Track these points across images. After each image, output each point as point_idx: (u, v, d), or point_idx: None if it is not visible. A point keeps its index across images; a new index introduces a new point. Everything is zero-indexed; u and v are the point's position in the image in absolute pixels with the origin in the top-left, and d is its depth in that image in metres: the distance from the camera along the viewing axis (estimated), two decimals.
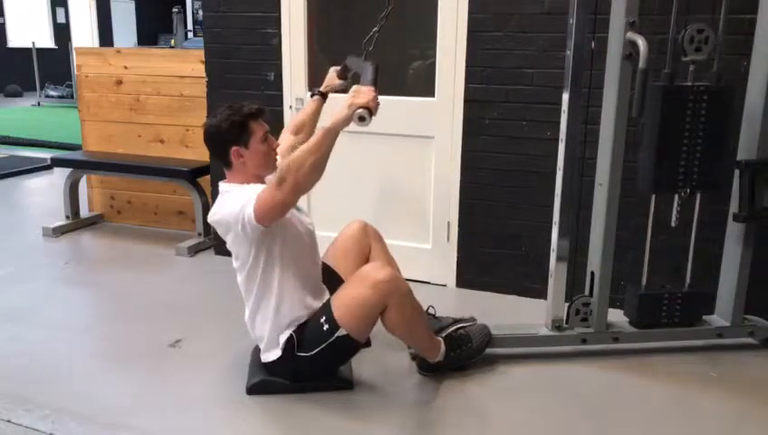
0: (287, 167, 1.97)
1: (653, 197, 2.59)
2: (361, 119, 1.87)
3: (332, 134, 1.96)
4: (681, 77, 2.41)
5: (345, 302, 2.19)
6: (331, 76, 2.71)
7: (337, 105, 2.00)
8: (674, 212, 2.55)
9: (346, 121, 1.94)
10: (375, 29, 2.41)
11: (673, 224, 2.56)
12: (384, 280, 2.16)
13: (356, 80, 2.28)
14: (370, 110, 1.90)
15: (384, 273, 2.18)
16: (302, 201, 2.98)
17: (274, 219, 2.08)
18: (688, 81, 2.41)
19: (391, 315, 2.21)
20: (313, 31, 3.44)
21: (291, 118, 3.49)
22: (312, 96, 2.72)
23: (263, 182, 2.31)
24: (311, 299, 2.29)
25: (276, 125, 2.90)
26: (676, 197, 2.53)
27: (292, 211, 2.21)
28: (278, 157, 2.31)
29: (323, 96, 2.71)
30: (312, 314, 2.25)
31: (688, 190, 2.47)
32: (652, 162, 2.41)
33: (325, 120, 1.97)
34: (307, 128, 2.66)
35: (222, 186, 2.28)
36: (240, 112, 2.20)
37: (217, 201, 2.25)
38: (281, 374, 2.31)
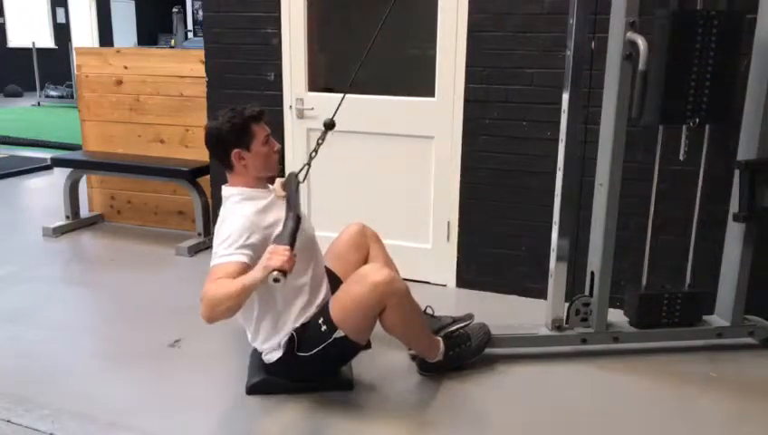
0: (206, 300, 1.97)
1: (653, 197, 2.59)
2: (276, 280, 1.89)
3: (247, 292, 1.97)
4: (690, 3, 2.35)
5: (343, 303, 2.19)
6: (277, 187, 2.48)
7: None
8: (682, 145, 2.48)
9: (261, 282, 1.94)
10: (306, 163, 2.39)
11: (681, 157, 2.48)
12: (382, 281, 2.16)
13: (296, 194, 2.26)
14: (285, 272, 1.90)
15: (382, 274, 2.18)
16: (303, 202, 2.99)
17: None
18: (698, 5, 2.36)
19: (390, 316, 2.21)
20: (313, 31, 3.44)
21: (290, 118, 3.50)
22: None
23: (263, 185, 2.31)
24: (312, 303, 2.28)
25: (276, 126, 2.90)
26: (684, 128, 2.46)
27: None
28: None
29: None
30: (313, 315, 2.25)
31: (697, 120, 2.37)
32: (660, 91, 2.32)
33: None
34: None
35: (224, 190, 2.28)
36: (242, 115, 2.20)
37: (222, 210, 2.25)
38: (281, 374, 2.31)
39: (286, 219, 2.10)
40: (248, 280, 1.95)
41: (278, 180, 2.41)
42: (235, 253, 2.05)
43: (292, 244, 1.97)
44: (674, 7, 2.32)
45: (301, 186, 2.34)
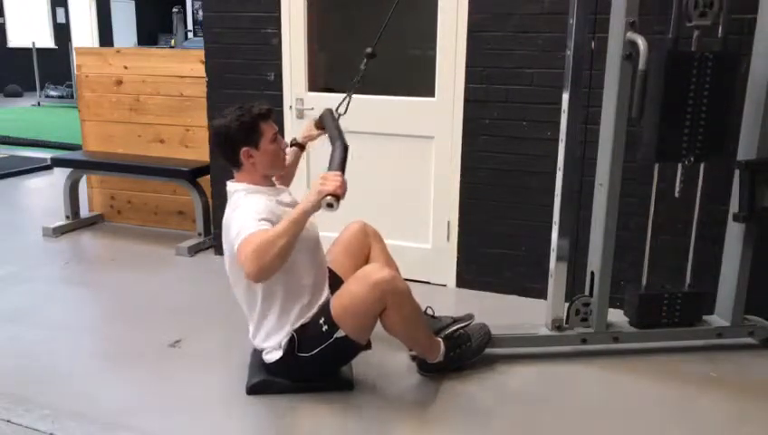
0: (253, 249, 1.92)
1: (653, 197, 2.59)
2: (329, 205, 1.89)
3: (302, 220, 1.96)
4: (685, 44, 2.37)
5: (344, 303, 2.19)
6: (308, 126, 2.64)
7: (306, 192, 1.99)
8: (677, 182, 2.50)
9: (315, 208, 1.94)
10: (347, 95, 2.38)
11: (676, 194, 2.51)
12: (383, 280, 2.16)
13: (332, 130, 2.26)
14: (338, 196, 1.90)
15: (383, 273, 2.18)
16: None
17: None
18: (693, 47, 2.37)
19: (390, 316, 2.21)
20: (313, 31, 3.44)
21: (290, 118, 3.49)
22: (290, 146, 2.68)
23: (270, 183, 2.31)
24: (313, 304, 2.29)
25: (277, 126, 2.89)
26: (680, 166, 2.49)
27: None
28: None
29: (301, 147, 2.66)
30: (313, 315, 2.25)
31: (692, 159, 2.41)
32: (655, 130, 2.36)
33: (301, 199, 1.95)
34: (287, 177, 2.63)
35: (230, 185, 2.28)
36: (250, 113, 2.20)
37: (228, 206, 2.25)
38: (281, 374, 2.31)
39: (334, 148, 2.09)
40: (298, 210, 1.93)
41: (310, 120, 2.41)
42: (260, 224, 2.02)
43: (342, 170, 1.96)
44: (669, 49, 2.36)
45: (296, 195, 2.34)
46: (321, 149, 2.00)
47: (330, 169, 2.00)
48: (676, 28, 2.35)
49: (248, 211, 2.09)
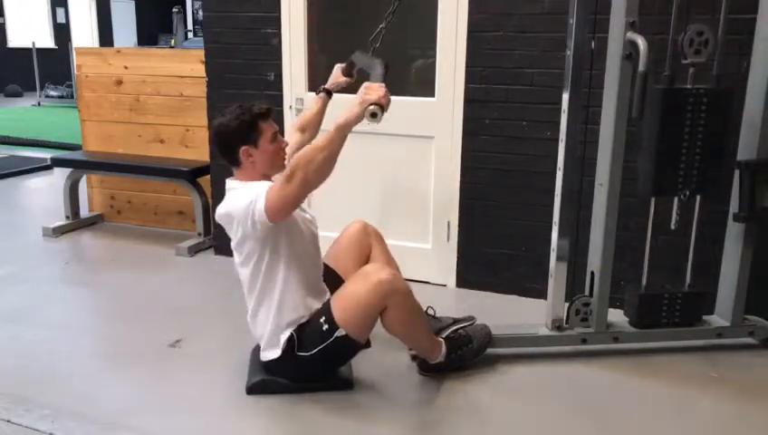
0: (297, 162, 1.97)
1: (653, 199, 2.59)
2: (373, 115, 1.87)
3: (344, 131, 1.96)
4: (681, 80, 2.41)
5: (345, 302, 2.19)
6: (336, 73, 2.69)
7: (345, 103, 1.99)
8: (673, 215, 2.55)
9: (358, 118, 1.94)
10: (382, 25, 2.39)
11: (673, 227, 2.56)
12: (384, 280, 2.16)
13: (362, 77, 2.27)
14: (382, 106, 1.89)
15: (384, 273, 2.18)
16: (303, 202, 2.96)
17: (284, 215, 2.08)
18: (688, 83, 2.40)
19: (391, 316, 2.21)
20: (313, 31, 3.44)
21: (290, 118, 3.50)
22: (317, 93, 2.70)
23: (270, 181, 2.31)
24: (312, 299, 2.29)
25: (277, 125, 2.89)
26: (676, 199, 2.53)
27: (297, 211, 2.21)
28: (286, 157, 2.32)
29: (329, 93, 2.68)
30: (313, 314, 2.25)
31: (688, 193, 2.46)
32: (652, 165, 2.41)
33: (337, 116, 1.96)
34: (313, 126, 2.65)
35: (229, 183, 2.28)
36: (250, 112, 2.20)
37: (225, 198, 2.25)
38: (281, 374, 2.31)
39: (374, 66, 2.09)
40: (341, 121, 1.93)
41: (337, 66, 2.41)
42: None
43: (384, 81, 1.96)
44: (665, 85, 2.38)
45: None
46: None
47: (372, 80, 1.98)
48: (672, 65, 2.38)
49: (254, 187, 2.11)
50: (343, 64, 2.64)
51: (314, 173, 1.97)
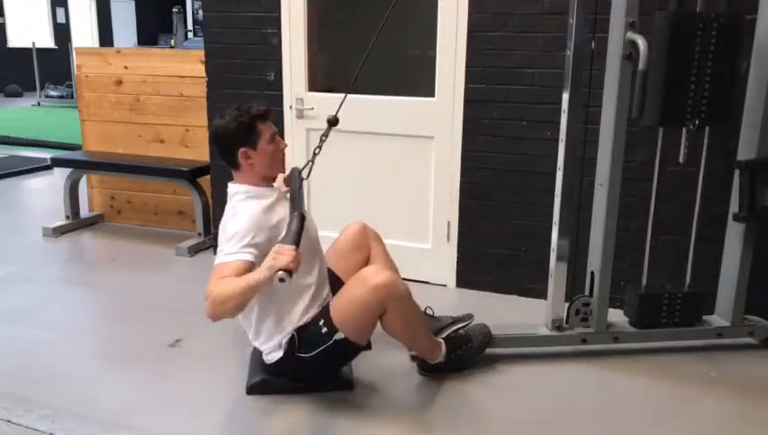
0: (212, 298, 1.97)
1: (653, 197, 2.58)
2: (281, 280, 1.90)
3: (253, 291, 1.97)
4: (690, 4, 2.35)
5: (344, 305, 2.19)
6: (279, 182, 2.51)
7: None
8: (682, 147, 2.48)
9: (267, 281, 1.94)
10: (310, 159, 2.39)
11: (681, 160, 2.48)
12: (383, 284, 2.16)
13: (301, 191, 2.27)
14: (290, 272, 1.91)
15: (383, 276, 2.18)
16: (305, 202, 2.98)
17: None
18: (698, 7, 2.35)
19: (391, 319, 2.21)
20: (313, 31, 3.44)
21: (290, 118, 3.50)
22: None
23: (270, 183, 2.31)
24: (313, 306, 2.28)
25: (276, 126, 2.90)
26: (684, 130, 2.46)
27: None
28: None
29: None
30: (313, 317, 2.25)
31: (697, 123, 2.36)
32: (659, 92, 2.31)
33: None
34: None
35: (231, 187, 2.28)
36: (248, 113, 2.19)
37: (227, 207, 2.25)
38: (281, 374, 2.31)
39: (291, 219, 2.09)
40: (253, 279, 1.95)
41: (280, 176, 2.42)
42: (241, 251, 2.05)
43: (297, 243, 1.97)
44: (673, 8, 2.32)
45: (304, 183, 2.34)
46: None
47: (284, 241, 1.98)
48: None
49: (236, 230, 2.09)
50: (286, 174, 2.49)
51: (222, 313, 2.00)
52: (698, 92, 2.33)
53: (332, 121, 2.42)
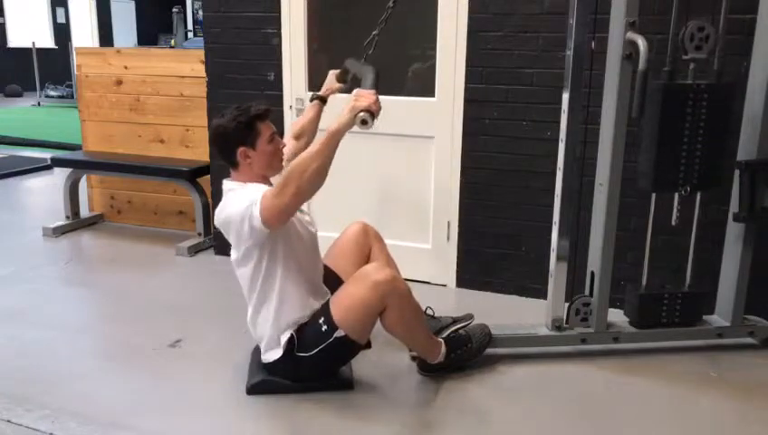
0: (290, 172, 1.98)
1: (653, 196, 2.59)
2: (364, 122, 1.87)
3: (336, 138, 1.96)
4: (681, 76, 2.40)
5: (344, 303, 2.19)
6: (330, 79, 2.69)
7: (339, 108, 2.00)
8: (674, 211, 2.54)
9: (349, 125, 1.94)
10: (375, 32, 2.40)
11: (673, 223, 2.55)
12: (383, 281, 2.16)
13: (355, 83, 2.28)
14: (373, 113, 1.90)
15: (383, 273, 2.18)
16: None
17: (280, 223, 2.08)
18: (689, 79, 2.39)
19: (391, 316, 2.21)
20: (313, 31, 3.44)
21: (290, 118, 3.50)
22: (311, 100, 2.70)
23: (269, 183, 2.31)
24: (312, 300, 2.29)
25: (277, 126, 2.90)
26: (677, 195, 2.52)
27: (296, 213, 2.21)
28: (284, 160, 2.31)
29: (323, 100, 2.69)
30: (313, 315, 2.25)
31: (688, 189, 2.44)
32: (652, 161, 2.40)
33: (329, 123, 1.96)
34: (308, 133, 2.66)
35: (226, 184, 2.28)
36: (247, 113, 2.20)
37: (222, 200, 2.25)
38: (281, 374, 2.31)
39: (365, 73, 2.09)
40: (332, 129, 1.93)
41: (331, 72, 2.42)
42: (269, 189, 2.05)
43: (376, 88, 1.97)
44: (665, 80, 2.37)
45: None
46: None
47: (363, 87, 1.99)
48: (672, 61, 2.37)
49: (251, 190, 2.11)
50: (337, 71, 2.64)
51: (308, 183, 1.97)
52: (690, 160, 2.41)
53: None
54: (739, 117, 2.56)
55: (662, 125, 2.36)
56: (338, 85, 2.66)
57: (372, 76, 2.04)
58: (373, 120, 1.89)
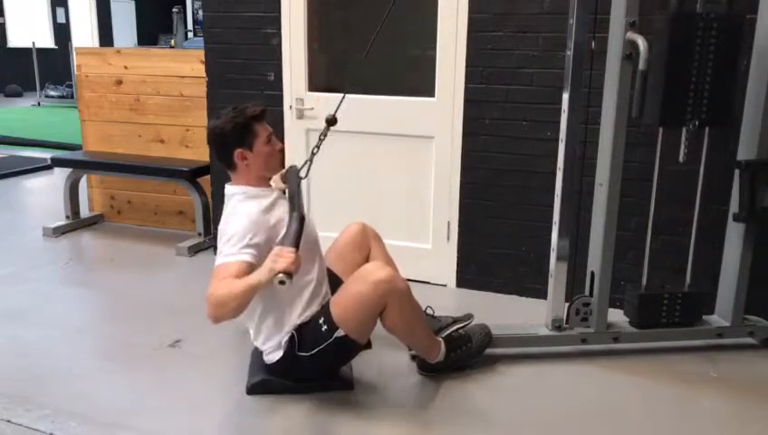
0: (212, 300, 1.99)
1: (653, 197, 2.59)
2: (281, 283, 1.90)
3: (254, 290, 1.98)
4: (690, 5, 2.35)
5: (344, 302, 2.19)
6: (276, 179, 2.54)
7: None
8: (682, 147, 2.48)
9: (268, 282, 1.95)
10: (308, 159, 2.39)
11: (681, 159, 2.47)
12: (383, 279, 2.16)
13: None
14: (290, 274, 1.91)
15: (383, 272, 2.18)
16: (304, 202, 2.99)
17: None
18: (698, 8, 2.35)
19: (390, 315, 2.21)
20: (313, 31, 3.44)
21: (290, 118, 3.50)
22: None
23: (267, 184, 2.31)
24: (313, 303, 2.28)
25: (276, 126, 2.90)
26: (684, 130, 2.47)
27: None
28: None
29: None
30: (313, 315, 2.25)
31: (697, 123, 2.36)
32: (660, 93, 2.31)
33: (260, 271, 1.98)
34: None
35: (228, 189, 2.28)
36: (243, 114, 2.20)
37: (225, 209, 2.25)
38: (281, 374, 2.31)
39: (290, 220, 2.09)
40: (253, 280, 1.96)
41: (277, 174, 2.42)
42: (240, 252, 2.05)
43: (296, 245, 1.97)
44: (673, 9, 2.32)
45: (302, 183, 2.34)
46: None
47: (283, 243, 1.99)
48: None
49: (235, 231, 2.10)
50: (283, 171, 2.53)
51: (222, 315, 2.01)
52: (698, 93, 2.33)
53: (331, 121, 2.42)
54: (739, 120, 2.55)
55: (670, 56, 2.29)
56: (282, 185, 2.50)
57: (294, 228, 2.03)
58: (291, 280, 1.91)
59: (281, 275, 1.89)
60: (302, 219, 2.07)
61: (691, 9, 2.35)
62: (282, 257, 1.92)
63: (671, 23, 2.29)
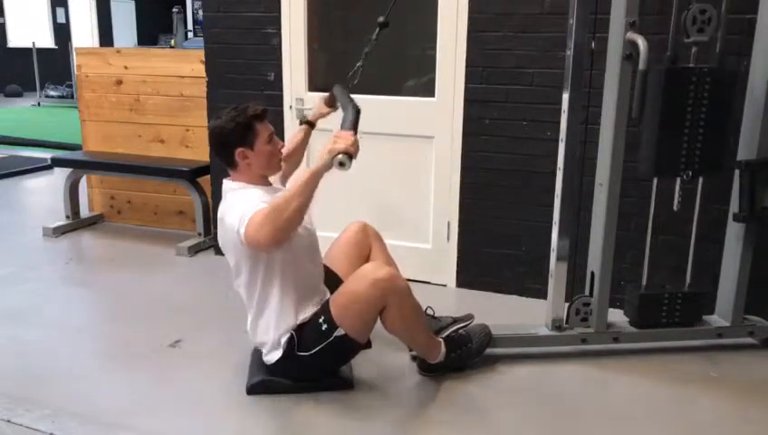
0: (269, 212, 1.93)
1: (653, 197, 2.59)
2: (341, 164, 1.87)
3: (315, 179, 1.95)
4: (683, 60, 2.38)
5: (344, 301, 2.19)
6: (319, 105, 2.71)
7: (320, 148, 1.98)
8: (676, 196, 2.51)
9: (327, 167, 1.93)
10: (359, 64, 2.39)
11: (675, 208, 2.51)
12: (383, 279, 2.16)
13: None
14: (350, 155, 1.89)
15: (383, 272, 2.18)
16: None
17: (260, 250, 2.07)
18: (691, 62, 2.38)
19: (390, 315, 2.21)
20: (313, 31, 3.44)
21: (290, 118, 3.50)
22: (300, 124, 2.71)
23: (267, 183, 2.31)
24: (312, 302, 2.29)
25: (276, 126, 2.90)
26: (678, 180, 2.49)
27: None
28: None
29: (311, 125, 2.71)
30: (312, 314, 2.25)
31: (690, 174, 2.41)
32: (654, 145, 2.37)
33: (313, 159, 1.96)
34: (296, 156, 2.68)
35: (226, 184, 2.28)
36: (245, 114, 2.20)
37: (223, 202, 2.25)
38: (281, 374, 2.31)
39: (346, 111, 2.09)
40: (314, 167, 1.93)
41: (319, 97, 2.42)
42: (260, 205, 2.02)
43: (355, 130, 1.96)
44: (667, 64, 2.36)
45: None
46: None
47: (342, 128, 1.98)
48: (674, 44, 2.36)
49: (245, 200, 2.10)
50: (326, 95, 2.63)
51: (287, 222, 1.94)
52: (691, 144, 2.39)
53: (383, 24, 2.39)
54: (739, 120, 2.55)
55: (664, 109, 2.34)
56: (326, 110, 2.67)
57: (352, 115, 2.03)
58: (351, 161, 1.88)
59: (341, 156, 1.86)
60: (358, 110, 2.08)
61: (684, 65, 2.39)
62: (341, 138, 1.91)
63: (665, 77, 2.33)
